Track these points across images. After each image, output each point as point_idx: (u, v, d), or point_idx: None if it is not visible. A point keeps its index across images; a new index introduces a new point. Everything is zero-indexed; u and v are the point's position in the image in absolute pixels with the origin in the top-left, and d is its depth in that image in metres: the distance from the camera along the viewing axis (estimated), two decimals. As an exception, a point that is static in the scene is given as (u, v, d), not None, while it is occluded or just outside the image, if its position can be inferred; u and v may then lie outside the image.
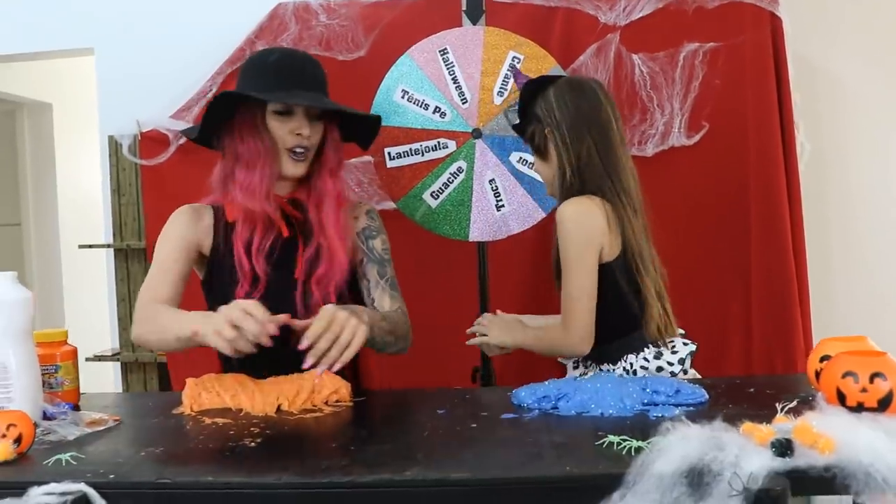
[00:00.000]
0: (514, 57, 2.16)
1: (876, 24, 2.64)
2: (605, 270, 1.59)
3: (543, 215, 2.15)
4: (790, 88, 2.36)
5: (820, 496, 0.99)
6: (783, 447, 0.95)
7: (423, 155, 2.18)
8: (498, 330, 1.72)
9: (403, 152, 2.18)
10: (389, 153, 2.18)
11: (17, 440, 1.12)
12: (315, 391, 1.41)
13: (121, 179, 2.78)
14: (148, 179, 2.60)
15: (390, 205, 2.25)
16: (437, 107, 2.18)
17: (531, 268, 2.36)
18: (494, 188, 2.17)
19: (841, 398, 1.12)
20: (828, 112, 2.64)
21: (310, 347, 1.34)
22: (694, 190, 2.38)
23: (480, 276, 2.24)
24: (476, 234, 2.18)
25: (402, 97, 2.18)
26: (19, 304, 1.29)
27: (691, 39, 2.36)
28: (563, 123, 1.63)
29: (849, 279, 2.65)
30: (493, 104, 2.17)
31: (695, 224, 2.37)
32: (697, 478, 0.92)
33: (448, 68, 2.18)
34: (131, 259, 2.79)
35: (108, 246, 2.83)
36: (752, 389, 1.40)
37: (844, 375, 1.12)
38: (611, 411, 1.25)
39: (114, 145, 2.74)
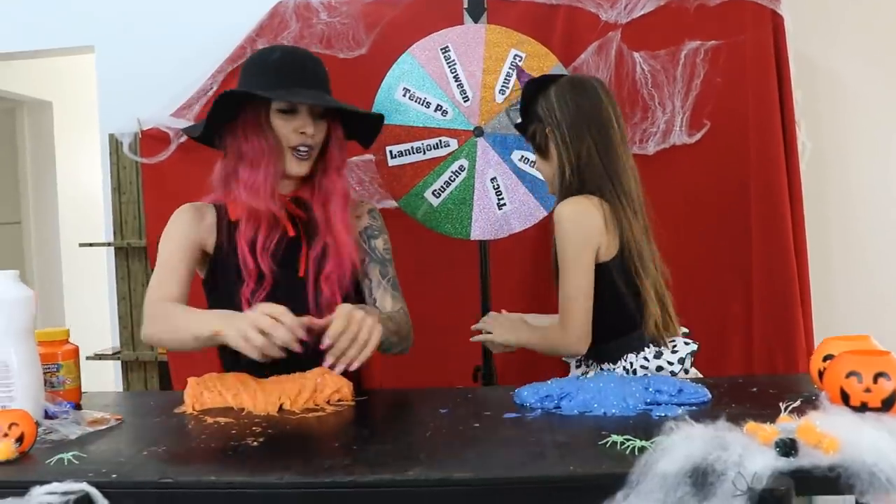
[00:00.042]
0: (516, 55, 2.16)
1: (877, 24, 2.65)
2: (601, 270, 1.59)
3: (545, 214, 2.15)
4: (791, 87, 2.36)
5: (824, 496, 0.99)
6: (787, 447, 0.95)
7: (424, 153, 2.17)
8: (502, 328, 1.72)
9: (405, 150, 2.18)
10: (391, 151, 2.18)
11: (19, 439, 1.12)
12: (317, 390, 1.41)
13: (121, 178, 2.78)
14: (148, 178, 2.60)
15: (392, 203, 2.25)
16: (438, 105, 2.17)
17: (533, 266, 2.36)
18: (496, 186, 2.17)
19: (844, 398, 1.12)
20: (828, 111, 2.64)
21: (325, 347, 1.35)
22: (695, 188, 2.38)
23: (482, 275, 2.24)
24: (478, 232, 2.18)
25: (404, 95, 2.17)
26: (21, 302, 1.29)
27: (693, 37, 2.36)
28: (563, 122, 1.63)
29: (849, 279, 2.65)
30: (494, 102, 2.16)
31: (696, 223, 2.37)
32: (701, 477, 0.92)
33: (450, 66, 2.17)
34: (132, 257, 2.79)
35: (109, 244, 2.83)
36: (754, 389, 1.40)
37: (848, 375, 1.12)
38: (614, 411, 1.25)
39: (114, 143, 2.74)
